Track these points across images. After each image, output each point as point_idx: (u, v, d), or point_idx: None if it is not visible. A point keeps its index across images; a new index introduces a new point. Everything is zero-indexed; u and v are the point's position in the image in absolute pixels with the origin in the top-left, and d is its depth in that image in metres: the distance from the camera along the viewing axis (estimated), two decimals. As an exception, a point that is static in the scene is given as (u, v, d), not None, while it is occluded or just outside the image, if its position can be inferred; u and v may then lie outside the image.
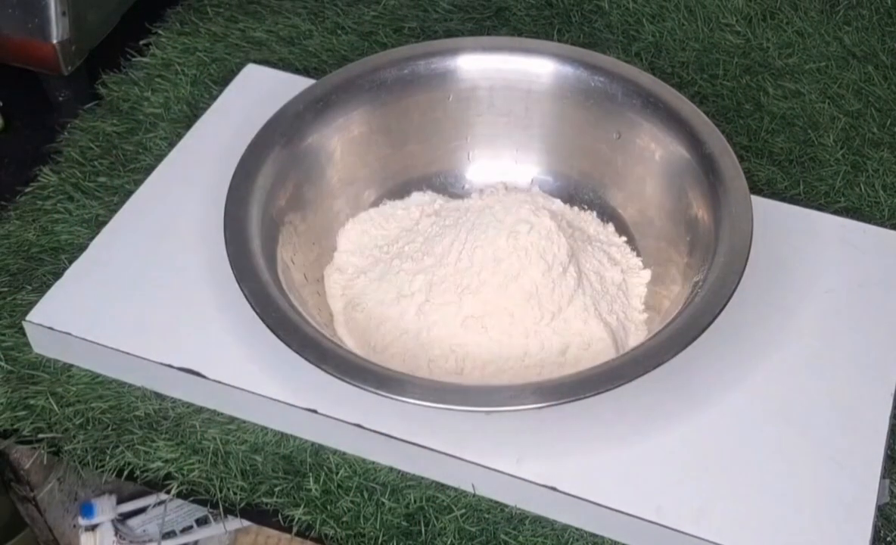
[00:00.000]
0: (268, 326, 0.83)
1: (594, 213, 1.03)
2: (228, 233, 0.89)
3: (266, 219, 0.92)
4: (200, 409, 0.92)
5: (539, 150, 1.05)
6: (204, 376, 0.90)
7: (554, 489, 0.84)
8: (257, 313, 0.84)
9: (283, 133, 0.97)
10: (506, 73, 1.03)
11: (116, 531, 1.17)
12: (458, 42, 1.06)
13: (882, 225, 1.04)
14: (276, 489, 0.87)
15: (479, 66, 1.04)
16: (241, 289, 0.85)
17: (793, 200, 1.06)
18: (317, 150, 0.99)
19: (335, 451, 0.89)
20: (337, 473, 0.87)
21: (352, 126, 1.01)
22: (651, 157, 0.99)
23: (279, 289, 0.87)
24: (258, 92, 1.11)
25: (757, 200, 1.04)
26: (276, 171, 0.95)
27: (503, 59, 1.04)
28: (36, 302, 0.96)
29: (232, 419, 0.91)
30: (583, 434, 0.86)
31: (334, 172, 1.01)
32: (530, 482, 0.84)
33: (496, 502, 0.86)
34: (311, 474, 0.87)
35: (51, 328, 0.94)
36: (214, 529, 1.21)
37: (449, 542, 0.84)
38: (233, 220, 0.90)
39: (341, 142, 1.01)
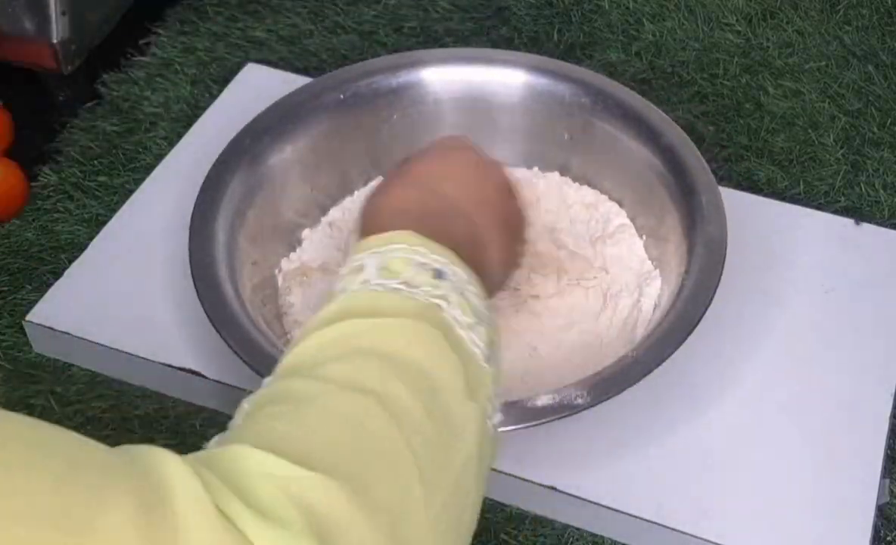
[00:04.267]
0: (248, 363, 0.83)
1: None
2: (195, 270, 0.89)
3: (230, 245, 0.92)
4: (201, 409, 0.92)
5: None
6: (204, 376, 0.90)
7: (554, 489, 0.84)
8: (228, 346, 0.84)
9: (244, 152, 0.97)
10: (466, 86, 1.03)
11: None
12: (418, 55, 1.06)
13: (882, 224, 1.04)
14: (277, 489, 0.87)
15: (440, 78, 1.04)
16: (210, 319, 0.85)
17: (793, 200, 1.06)
18: (279, 167, 0.99)
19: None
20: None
21: (314, 142, 1.01)
22: (616, 156, 1.00)
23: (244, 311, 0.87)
24: (258, 91, 1.11)
25: (757, 199, 1.05)
26: (239, 195, 0.95)
27: (466, 71, 1.04)
28: (36, 301, 0.96)
29: (231, 417, 0.91)
30: (582, 435, 0.86)
31: (297, 189, 1.01)
32: (530, 482, 0.84)
33: (496, 502, 0.86)
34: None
35: (51, 328, 0.94)
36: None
37: (449, 542, 0.84)
38: (199, 253, 0.90)
39: (303, 158, 1.00)
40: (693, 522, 0.82)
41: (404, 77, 1.03)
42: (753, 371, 0.91)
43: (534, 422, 0.79)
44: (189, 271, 0.88)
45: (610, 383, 0.80)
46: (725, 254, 0.88)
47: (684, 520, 0.82)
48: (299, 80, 1.09)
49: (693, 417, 0.88)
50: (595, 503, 0.83)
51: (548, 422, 0.79)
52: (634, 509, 0.83)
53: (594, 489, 0.84)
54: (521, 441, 0.85)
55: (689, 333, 0.83)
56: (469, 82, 1.03)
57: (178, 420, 0.91)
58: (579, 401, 0.79)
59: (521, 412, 0.79)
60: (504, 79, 1.03)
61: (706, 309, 0.84)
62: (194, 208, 0.92)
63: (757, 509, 0.83)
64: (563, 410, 0.79)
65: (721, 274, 0.86)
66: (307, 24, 1.27)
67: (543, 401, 0.79)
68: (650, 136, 0.97)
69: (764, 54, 1.23)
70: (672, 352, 0.82)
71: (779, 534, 0.82)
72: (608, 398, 0.79)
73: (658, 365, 0.81)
